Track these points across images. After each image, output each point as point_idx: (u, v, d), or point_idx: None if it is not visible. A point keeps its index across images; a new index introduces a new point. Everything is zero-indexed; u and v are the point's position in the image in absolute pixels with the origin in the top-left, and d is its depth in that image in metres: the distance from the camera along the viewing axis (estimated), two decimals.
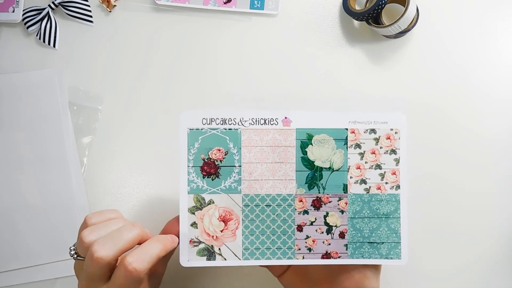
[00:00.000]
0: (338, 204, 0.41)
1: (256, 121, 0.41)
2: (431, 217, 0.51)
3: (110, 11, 0.54)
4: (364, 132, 0.41)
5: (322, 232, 0.41)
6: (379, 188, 0.41)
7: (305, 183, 0.41)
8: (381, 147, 0.41)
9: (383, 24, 0.52)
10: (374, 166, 0.41)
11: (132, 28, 0.54)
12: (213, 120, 0.41)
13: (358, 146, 0.41)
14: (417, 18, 0.51)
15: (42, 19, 0.53)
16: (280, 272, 0.44)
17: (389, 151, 0.41)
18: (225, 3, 0.53)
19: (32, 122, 0.51)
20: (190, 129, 0.41)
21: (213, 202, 0.41)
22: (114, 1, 0.54)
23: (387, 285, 0.50)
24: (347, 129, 0.41)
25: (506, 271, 0.51)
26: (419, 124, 0.52)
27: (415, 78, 0.53)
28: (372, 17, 0.51)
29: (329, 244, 0.41)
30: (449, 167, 0.52)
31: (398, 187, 0.41)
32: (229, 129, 0.41)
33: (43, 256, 0.50)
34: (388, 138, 0.41)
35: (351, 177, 0.41)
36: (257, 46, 0.54)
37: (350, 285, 0.41)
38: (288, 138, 0.41)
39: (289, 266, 0.44)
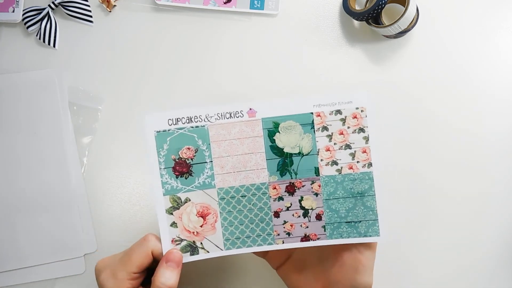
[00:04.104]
0: (312, 188, 0.42)
1: (221, 115, 0.41)
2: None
3: (110, 11, 0.54)
4: (330, 114, 0.41)
5: (299, 216, 0.42)
6: (351, 168, 0.41)
7: (277, 171, 0.42)
8: (348, 127, 0.41)
9: (383, 24, 0.52)
10: (343, 147, 0.41)
11: (132, 28, 0.54)
12: (179, 119, 0.41)
13: (325, 128, 0.41)
14: (417, 18, 0.51)
15: (42, 19, 0.53)
16: (277, 264, 0.45)
17: (357, 130, 0.41)
18: (225, 3, 0.53)
19: (32, 122, 0.51)
20: (157, 132, 0.41)
21: (190, 200, 0.42)
22: (114, 1, 0.54)
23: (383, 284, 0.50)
24: (312, 113, 0.41)
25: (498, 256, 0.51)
26: (419, 124, 0.52)
27: (415, 78, 0.53)
28: (372, 17, 0.51)
29: (307, 227, 0.42)
30: (449, 168, 0.52)
31: (370, 164, 0.41)
32: (196, 127, 0.41)
33: (43, 256, 0.50)
34: (355, 117, 0.41)
35: (321, 160, 0.41)
36: (257, 46, 0.54)
37: (343, 277, 0.42)
38: (255, 129, 0.41)
39: (287, 258, 0.45)
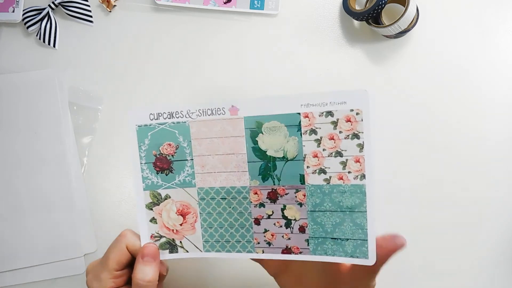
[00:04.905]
0: (296, 196, 0.38)
1: (203, 112, 0.39)
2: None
3: (110, 11, 0.54)
4: (320, 115, 0.36)
5: (281, 226, 0.39)
6: (341, 178, 0.37)
7: (259, 175, 0.39)
8: (340, 132, 0.36)
9: (383, 24, 0.52)
10: (333, 154, 0.37)
11: (132, 28, 0.54)
12: (160, 115, 0.39)
13: (313, 131, 0.37)
14: (417, 18, 0.51)
15: (42, 19, 0.53)
16: (274, 271, 0.43)
17: (350, 136, 0.36)
18: (225, 3, 0.53)
19: (32, 122, 0.51)
20: (138, 126, 0.40)
21: (170, 197, 0.40)
22: (114, 1, 0.54)
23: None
24: (299, 113, 0.37)
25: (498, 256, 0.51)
26: (419, 124, 0.52)
27: (415, 78, 0.53)
28: (372, 17, 0.51)
29: (289, 238, 0.39)
30: (450, 168, 0.52)
31: (363, 176, 0.36)
32: (177, 123, 0.39)
33: (43, 256, 0.50)
34: (349, 120, 0.36)
35: (308, 167, 0.37)
36: (257, 46, 0.54)
37: None
38: (236, 128, 0.38)
39: (286, 268, 0.42)
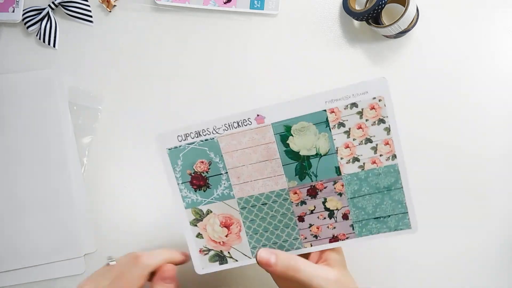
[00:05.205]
0: (334, 188, 0.40)
1: (229, 126, 0.40)
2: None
3: (110, 11, 0.54)
4: (345, 108, 0.38)
5: (325, 218, 0.41)
6: (374, 162, 0.39)
7: (295, 175, 0.40)
8: (367, 120, 0.39)
9: (383, 24, 0.52)
10: (363, 141, 0.39)
11: (132, 28, 0.54)
12: (187, 135, 0.40)
13: (341, 125, 0.39)
14: (417, 18, 0.51)
15: (42, 19, 0.53)
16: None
17: (376, 122, 0.39)
18: (225, 3, 0.53)
19: (32, 122, 0.51)
20: (169, 149, 0.41)
21: (211, 211, 0.42)
22: (114, 1, 0.54)
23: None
24: (325, 110, 0.39)
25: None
26: (419, 124, 0.52)
27: (415, 78, 0.53)
28: (372, 17, 0.51)
29: (334, 227, 0.41)
30: (450, 168, 0.52)
31: (394, 156, 0.39)
32: (205, 140, 0.40)
33: (43, 256, 0.50)
34: (373, 108, 0.38)
35: (341, 158, 0.39)
36: (257, 46, 0.54)
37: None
38: (266, 135, 0.40)
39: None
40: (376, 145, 0.39)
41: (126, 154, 0.52)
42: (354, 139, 0.39)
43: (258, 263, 0.40)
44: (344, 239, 0.41)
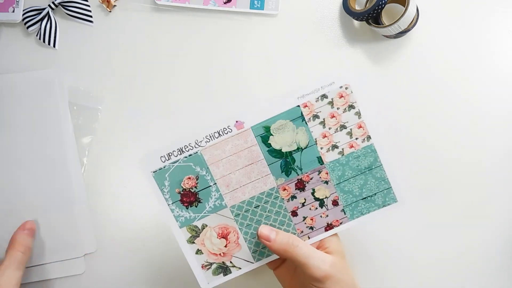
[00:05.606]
0: (320, 177, 0.42)
1: (211, 136, 0.41)
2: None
3: (110, 11, 0.54)
4: (316, 101, 0.41)
5: (316, 208, 0.43)
6: (352, 146, 0.42)
7: (282, 172, 0.42)
8: (338, 108, 0.41)
9: (383, 24, 0.52)
10: (338, 128, 0.41)
11: (132, 28, 0.54)
12: (170, 154, 0.41)
13: (316, 116, 0.41)
14: (417, 18, 0.51)
15: (42, 19, 0.53)
16: (275, 266, 0.46)
17: (347, 108, 0.41)
18: (225, 3, 0.53)
19: (32, 122, 0.51)
20: (153, 172, 0.41)
21: (207, 225, 0.42)
22: (114, 1, 0.54)
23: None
24: (298, 106, 0.41)
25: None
26: (419, 124, 0.52)
27: (415, 78, 0.53)
28: (372, 17, 0.51)
29: (327, 215, 0.43)
30: (449, 168, 0.52)
31: (369, 137, 0.41)
32: (189, 156, 0.41)
33: (43, 256, 0.50)
34: (341, 96, 0.41)
35: (321, 148, 0.42)
36: (257, 46, 0.54)
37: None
38: (247, 139, 0.41)
39: (283, 260, 0.45)
40: (351, 130, 0.41)
41: (126, 154, 0.52)
42: (329, 128, 0.41)
43: (258, 237, 0.41)
44: (338, 225, 0.43)
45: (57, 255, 0.50)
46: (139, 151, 0.52)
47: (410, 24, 0.50)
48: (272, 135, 0.41)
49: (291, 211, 0.42)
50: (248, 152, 0.41)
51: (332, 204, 0.42)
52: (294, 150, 0.41)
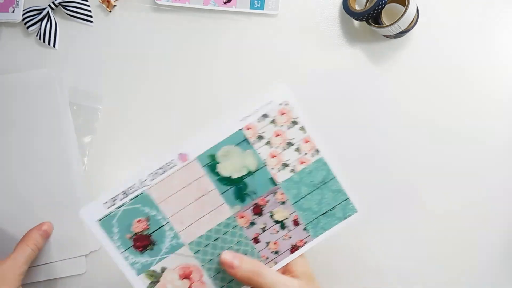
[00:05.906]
0: (276, 199, 0.40)
1: (154, 174, 0.38)
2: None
3: (110, 11, 0.54)
4: (259, 121, 0.39)
5: (278, 231, 0.41)
6: (302, 163, 0.40)
7: (236, 199, 0.40)
8: (281, 126, 0.39)
9: (383, 24, 0.52)
10: (286, 146, 0.40)
11: (132, 28, 0.54)
12: (115, 199, 0.38)
13: (260, 137, 0.39)
14: (417, 18, 0.51)
15: (42, 19, 0.53)
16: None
17: (290, 125, 0.40)
18: (225, 3, 0.53)
19: (32, 122, 0.51)
20: (99, 220, 0.38)
21: (166, 268, 0.39)
22: (114, 1, 0.54)
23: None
24: (241, 129, 0.39)
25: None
26: (420, 124, 0.52)
27: (415, 78, 0.53)
28: (372, 17, 0.51)
29: (290, 237, 0.41)
30: (449, 170, 0.52)
31: (317, 151, 0.40)
32: (135, 197, 0.38)
33: (44, 256, 0.50)
34: (283, 113, 0.39)
35: (272, 168, 0.40)
36: (257, 46, 0.54)
37: None
38: (194, 171, 0.39)
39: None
40: (298, 146, 0.40)
41: (126, 153, 0.53)
42: (276, 147, 0.40)
43: (221, 264, 0.39)
44: (303, 245, 0.41)
45: (58, 255, 0.50)
46: (139, 151, 0.52)
47: (410, 24, 0.50)
48: (219, 162, 0.39)
49: (252, 238, 0.40)
50: (197, 184, 0.39)
51: (294, 224, 0.41)
52: (244, 175, 0.39)
